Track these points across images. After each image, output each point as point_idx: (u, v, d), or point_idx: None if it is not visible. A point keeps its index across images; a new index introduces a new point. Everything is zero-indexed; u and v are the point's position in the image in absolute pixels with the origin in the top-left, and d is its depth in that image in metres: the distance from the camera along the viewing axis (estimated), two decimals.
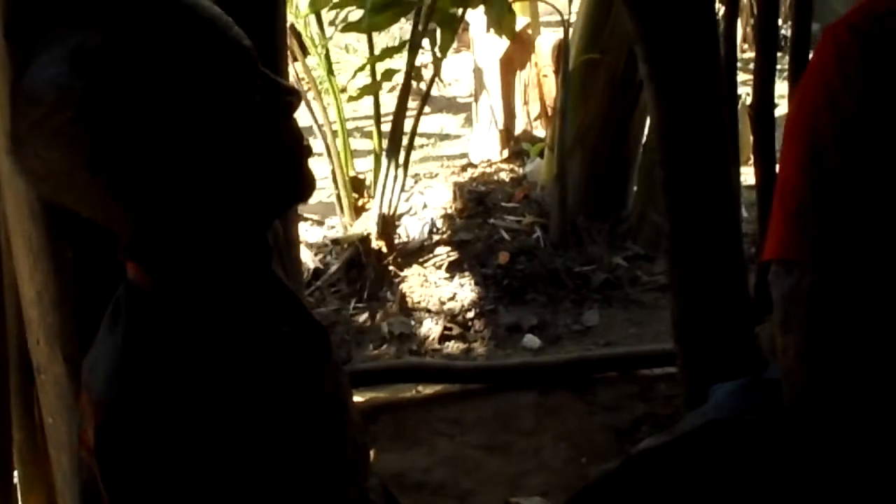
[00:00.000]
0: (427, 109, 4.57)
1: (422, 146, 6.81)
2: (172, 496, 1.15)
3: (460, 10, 4.34)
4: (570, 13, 4.87)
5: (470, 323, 4.36)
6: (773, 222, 1.35)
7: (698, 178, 2.69)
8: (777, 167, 1.54)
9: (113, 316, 1.25)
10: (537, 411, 3.12)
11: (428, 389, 3.26)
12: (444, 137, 7.15)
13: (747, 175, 3.21)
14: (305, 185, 1.26)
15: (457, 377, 3.29)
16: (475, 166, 5.47)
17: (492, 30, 4.36)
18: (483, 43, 5.67)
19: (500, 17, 4.20)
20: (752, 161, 3.23)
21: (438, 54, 4.37)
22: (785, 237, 1.34)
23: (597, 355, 3.51)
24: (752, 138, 2.94)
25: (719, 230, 2.74)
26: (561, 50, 5.45)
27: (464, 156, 6.67)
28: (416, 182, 5.12)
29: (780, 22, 3.10)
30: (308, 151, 1.27)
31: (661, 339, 4.23)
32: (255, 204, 1.23)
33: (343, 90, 5.30)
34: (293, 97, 1.24)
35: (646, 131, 4.87)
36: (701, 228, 2.72)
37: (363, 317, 4.35)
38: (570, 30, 4.81)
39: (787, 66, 2.89)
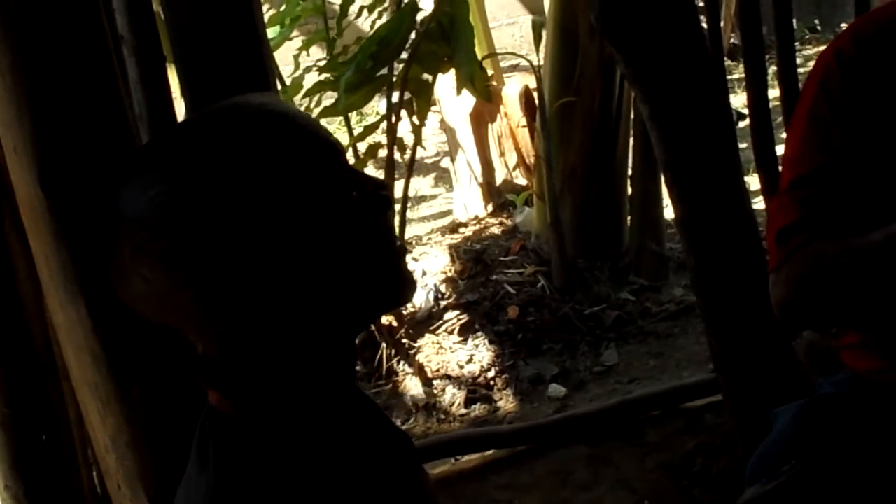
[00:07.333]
0: (395, 176, 4.55)
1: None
2: None
3: (431, 77, 4.36)
4: (538, 60, 4.90)
5: (492, 382, 4.34)
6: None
7: (716, 209, 2.70)
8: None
9: (199, 450, 1.23)
10: (590, 463, 3.10)
11: (475, 458, 3.22)
12: (421, 199, 7.16)
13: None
14: (407, 285, 1.25)
15: (503, 441, 3.27)
16: (465, 225, 5.47)
17: (465, 90, 4.35)
18: (450, 102, 5.69)
19: (472, 77, 4.21)
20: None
21: (417, 122, 4.38)
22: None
23: (638, 396, 3.49)
24: None
25: (743, 256, 2.75)
26: (528, 97, 5.49)
27: (444, 214, 6.65)
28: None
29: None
30: (403, 250, 1.25)
31: (683, 367, 4.24)
32: (357, 308, 1.21)
33: None
34: (386, 190, 1.22)
35: (630, 163, 4.91)
36: (725, 258, 2.73)
37: (386, 394, 4.32)
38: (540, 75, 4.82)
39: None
